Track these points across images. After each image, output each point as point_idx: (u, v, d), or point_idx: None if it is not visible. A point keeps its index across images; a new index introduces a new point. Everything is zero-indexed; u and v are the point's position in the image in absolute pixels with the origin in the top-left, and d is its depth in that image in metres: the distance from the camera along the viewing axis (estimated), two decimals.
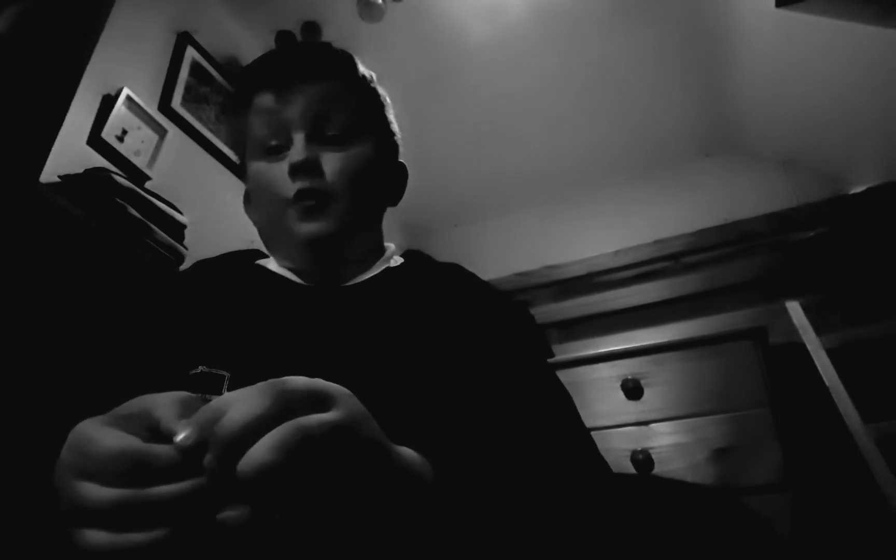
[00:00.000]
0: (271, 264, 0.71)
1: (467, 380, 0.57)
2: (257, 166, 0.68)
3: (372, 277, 0.68)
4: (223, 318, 0.62)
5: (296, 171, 0.64)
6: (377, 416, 0.37)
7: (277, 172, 0.65)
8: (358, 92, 0.71)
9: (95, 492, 0.31)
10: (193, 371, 0.57)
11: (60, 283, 1.09)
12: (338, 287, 0.67)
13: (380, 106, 0.75)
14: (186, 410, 0.34)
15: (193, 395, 0.37)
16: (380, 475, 0.34)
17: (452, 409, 0.54)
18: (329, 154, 0.66)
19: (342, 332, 0.60)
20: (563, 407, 0.60)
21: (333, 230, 0.64)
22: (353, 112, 0.69)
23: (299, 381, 0.34)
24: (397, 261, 0.73)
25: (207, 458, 0.31)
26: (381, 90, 0.75)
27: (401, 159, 0.79)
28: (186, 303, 0.65)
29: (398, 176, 0.78)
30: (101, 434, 0.33)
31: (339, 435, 0.32)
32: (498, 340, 0.63)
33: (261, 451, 0.30)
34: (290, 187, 0.64)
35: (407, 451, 0.39)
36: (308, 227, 0.64)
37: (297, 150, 0.64)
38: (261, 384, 0.33)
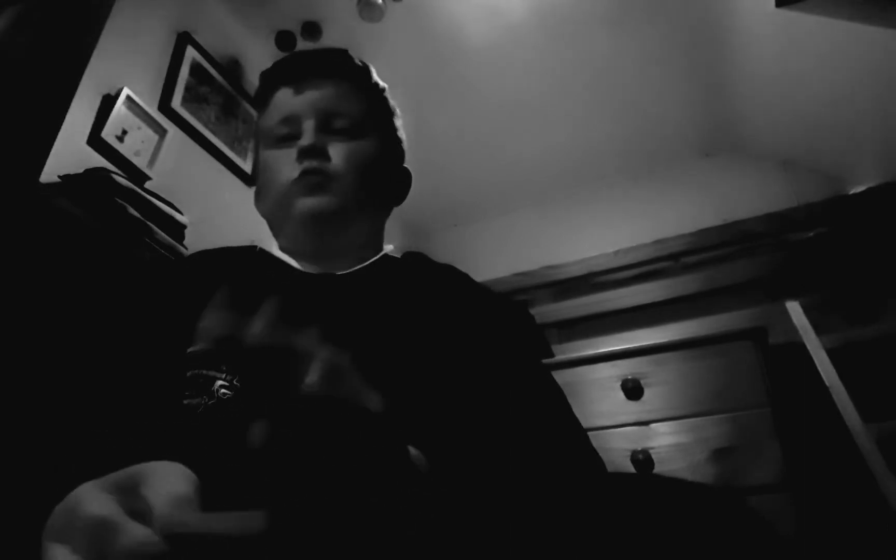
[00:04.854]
0: (274, 249, 0.72)
1: (458, 370, 0.57)
2: (268, 154, 0.71)
3: (369, 264, 0.69)
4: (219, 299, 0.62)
5: (303, 153, 0.67)
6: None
7: (286, 157, 0.69)
8: (369, 96, 0.75)
9: (62, 558, 0.29)
10: (189, 373, 0.57)
11: (60, 283, 1.09)
12: (334, 275, 0.67)
13: (389, 113, 0.78)
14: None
15: (188, 471, 0.34)
16: None
17: (442, 398, 0.54)
18: (336, 143, 0.69)
19: (337, 316, 0.61)
20: (553, 403, 0.60)
21: (335, 207, 0.66)
22: (362, 112, 0.72)
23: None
24: (395, 256, 0.75)
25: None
26: (391, 101, 0.79)
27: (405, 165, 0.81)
28: (185, 286, 0.65)
29: (402, 179, 0.81)
30: (90, 498, 0.30)
31: None
32: (490, 335, 0.63)
33: None
34: (296, 168, 0.67)
35: None
36: (309, 202, 0.66)
37: (307, 135, 0.68)
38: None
